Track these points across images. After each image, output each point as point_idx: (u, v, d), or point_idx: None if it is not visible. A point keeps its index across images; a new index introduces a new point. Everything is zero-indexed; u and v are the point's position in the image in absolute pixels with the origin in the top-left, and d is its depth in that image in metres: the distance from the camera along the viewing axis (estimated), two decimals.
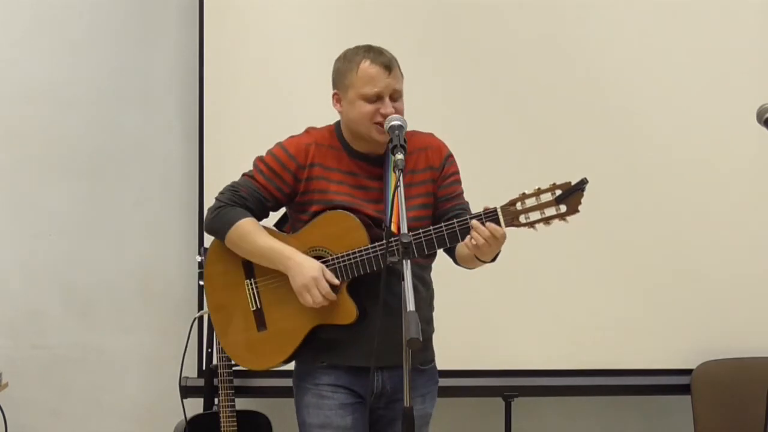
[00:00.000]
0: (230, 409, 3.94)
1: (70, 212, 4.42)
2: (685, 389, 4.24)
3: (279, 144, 3.03)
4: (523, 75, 4.28)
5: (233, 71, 4.26)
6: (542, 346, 4.25)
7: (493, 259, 2.88)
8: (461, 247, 2.92)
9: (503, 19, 4.29)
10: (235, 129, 4.23)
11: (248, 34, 4.27)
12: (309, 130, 3.06)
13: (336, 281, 2.89)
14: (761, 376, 4.10)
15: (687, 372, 4.25)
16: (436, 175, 3.02)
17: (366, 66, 2.93)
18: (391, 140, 2.81)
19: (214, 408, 4.01)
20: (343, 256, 2.89)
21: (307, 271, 2.87)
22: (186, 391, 4.12)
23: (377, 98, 2.91)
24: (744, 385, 4.18)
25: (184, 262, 4.35)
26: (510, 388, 4.20)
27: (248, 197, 3.00)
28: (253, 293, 3.02)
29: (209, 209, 3.05)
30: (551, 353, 4.25)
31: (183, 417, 4.01)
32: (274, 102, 4.22)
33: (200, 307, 4.22)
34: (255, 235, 2.96)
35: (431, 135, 3.08)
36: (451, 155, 3.06)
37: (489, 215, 2.78)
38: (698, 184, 4.29)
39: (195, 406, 4.11)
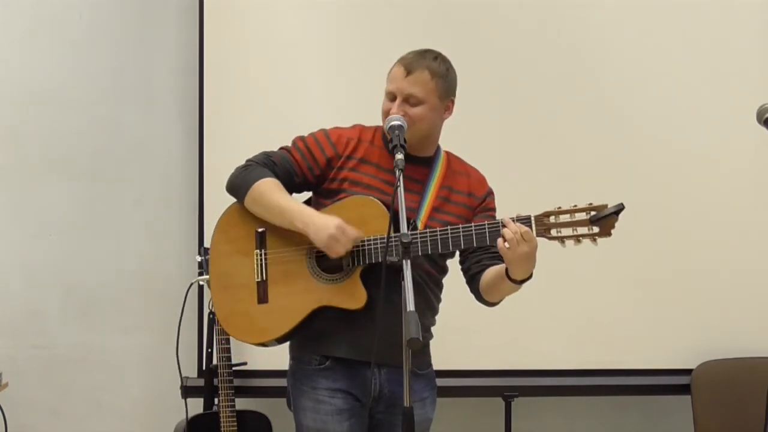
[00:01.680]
0: (230, 409, 3.94)
1: (70, 212, 4.42)
2: (685, 389, 4.24)
3: (323, 129, 3.03)
4: (523, 75, 4.28)
5: (233, 71, 4.26)
6: (542, 346, 4.25)
7: (523, 281, 2.85)
8: (485, 276, 2.93)
9: (503, 19, 4.30)
10: (235, 129, 4.23)
11: (248, 34, 4.27)
12: (356, 126, 3.06)
13: (359, 233, 2.83)
14: (761, 376, 4.10)
15: (687, 372, 4.25)
16: (476, 203, 3.02)
17: (394, 66, 2.96)
18: (390, 140, 2.82)
19: (214, 408, 4.01)
20: (363, 241, 2.85)
21: (330, 222, 2.82)
22: (186, 391, 4.11)
23: (393, 97, 2.93)
24: (744, 385, 4.18)
25: (184, 262, 4.35)
26: (510, 388, 4.20)
27: (279, 165, 2.98)
28: (261, 264, 2.96)
29: (237, 168, 3.01)
30: (551, 353, 4.25)
31: (192, 412, 4.00)
32: (274, 102, 4.22)
33: (201, 307, 4.22)
34: (278, 193, 2.93)
35: (476, 169, 3.10)
36: (492, 192, 3.08)
37: (521, 221, 2.77)
38: (698, 184, 4.29)
39: (195, 406, 4.10)
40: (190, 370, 4.21)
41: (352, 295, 2.87)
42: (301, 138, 3.03)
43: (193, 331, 4.22)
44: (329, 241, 2.82)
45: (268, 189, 2.93)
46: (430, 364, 3.09)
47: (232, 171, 3.02)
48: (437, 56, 2.98)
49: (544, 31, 4.28)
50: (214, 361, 3.99)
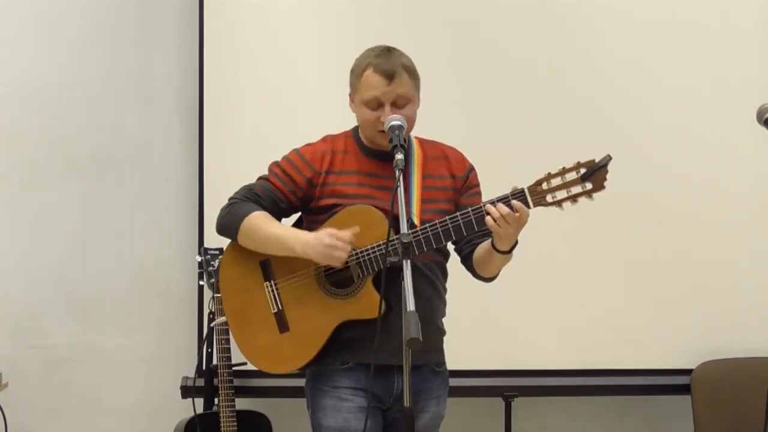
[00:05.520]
0: (230, 409, 3.93)
1: (70, 212, 4.42)
2: (685, 389, 4.25)
3: (295, 150, 3.03)
4: (522, 74, 4.29)
5: (233, 71, 4.26)
6: (542, 346, 4.26)
7: (510, 250, 2.86)
8: (476, 254, 2.94)
9: (503, 18, 4.30)
10: (235, 129, 4.23)
11: (248, 34, 4.27)
12: (326, 138, 3.05)
13: (351, 230, 2.82)
14: (761, 376, 4.10)
15: (687, 372, 4.25)
16: (459, 184, 3.02)
17: (369, 74, 2.92)
18: (390, 140, 2.81)
19: (214, 408, 4.01)
20: (366, 250, 2.86)
21: (320, 234, 2.83)
22: (186, 391, 4.11)
23: (378, 105, 2.91)
24: (744, 385, 4.18)
25: (184, 262, 4.35)
26: (510, 388, 4.20)
27: (263, 196, 2.99)
28: (274, 295, 2.97)
29: (222, 208, 3.02)
30: (551, 353, 4.25)
31: (192, 412, 3.99)
32: (274, 102, 4.23)
33: (200, 307, 4.21)
34: (268, 224, 2.93)
35: (453, 147, 3.09)
36: (474, 168, 3.08)
37: (516, 196, 2.77)
38: (698, 184, 4.29)
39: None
40: (190, 370, 4.21)
41: (368, 305, 2.86)
42: (276, 164, 3.02)
43: (193, 331, 4.21)
44: (327, 251, 2.81)
45: (259, 222, 2.93)
46: (444, 362, 3.10)
47: (218, 212, 3.01)
48: (400, 52, 2.96)
49: (545, 30, 4.28)
50: (214, 361, 3.99)
